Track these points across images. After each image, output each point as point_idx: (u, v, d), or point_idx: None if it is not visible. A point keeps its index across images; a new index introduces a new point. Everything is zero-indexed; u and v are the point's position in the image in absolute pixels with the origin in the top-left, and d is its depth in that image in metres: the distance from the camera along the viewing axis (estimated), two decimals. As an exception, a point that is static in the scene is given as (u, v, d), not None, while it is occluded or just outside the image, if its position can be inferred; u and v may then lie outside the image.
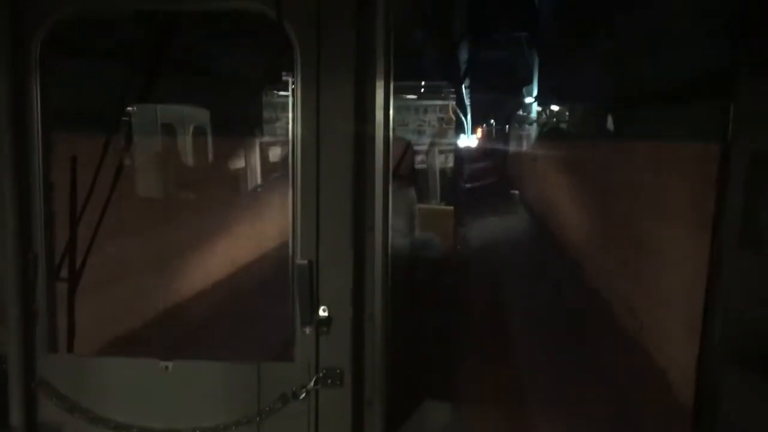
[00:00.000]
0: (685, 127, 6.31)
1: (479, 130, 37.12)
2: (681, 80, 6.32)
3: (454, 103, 11.44)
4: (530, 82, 22.87)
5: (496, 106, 30.81)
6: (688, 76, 6.06)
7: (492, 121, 35.72)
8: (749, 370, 2.92)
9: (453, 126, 11.22)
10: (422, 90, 11.02)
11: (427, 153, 11.30)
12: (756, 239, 2.92)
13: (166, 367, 3.14)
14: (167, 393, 3.16)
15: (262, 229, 10.56)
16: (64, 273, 3.40)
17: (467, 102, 24.83)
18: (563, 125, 16.30)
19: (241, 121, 10.24)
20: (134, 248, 6.84)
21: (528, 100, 22.93)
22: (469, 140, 26.76)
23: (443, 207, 11.13)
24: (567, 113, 16.09)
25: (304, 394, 3.04)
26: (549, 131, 18.58)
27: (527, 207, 23.12)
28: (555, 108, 17.65)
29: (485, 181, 32.13)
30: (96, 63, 5.92)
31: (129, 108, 3.89)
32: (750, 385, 2.90)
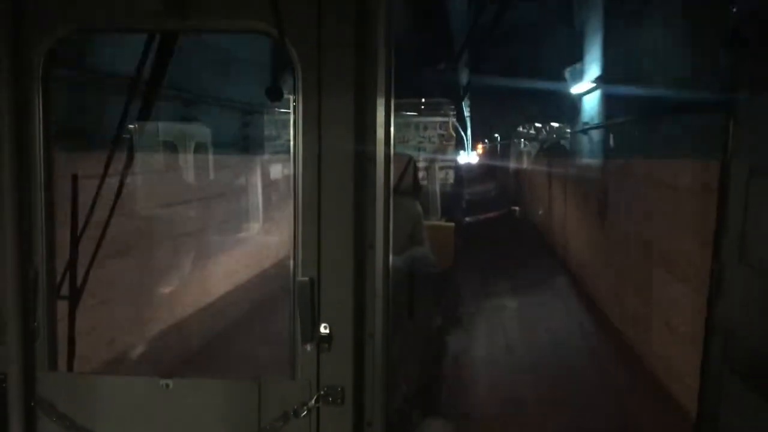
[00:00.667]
0: (686, 143, 6.33)
1: (480, 147, 37.19)
2: (680, 96, 6.35)
3: (454, 119, 11.50)
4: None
5: (497, 123, 30.84)
6: (687, 92, 6.09)
7: (497, 135, 35.73)
8: (750, 386, 2.90)
9: (453, 142, 11.26)
10: (422, 107, 11.08)
11: (427, 169, 11.34)
12: (756, 254, 2.92)
13: (167, 385, 3.12)
14: (168, 411, 3.14)
15: (264, 246, 10.58)
16: (64, 290, 3.40)
17: (467, 118, 24.91)
18: (564, 142, 16.31)
19: (242, 139, 10.30)
20: (135, 266, 6.85)
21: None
22: (469, 157, 26.74)
23: (444, 223, 11.15)
24: (567, 130, 16.09)
25: (305, 412, 3.02)
26: (549, 147, 18.62)
27: (528, 222, 23.18)
28: (555, 124, 17.67)
29: (485, 196, 32.21)
30: (98, 79, 5.97)
31: (131, 125, 3.90)
32: (750, 401, 2.88)
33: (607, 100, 10.95)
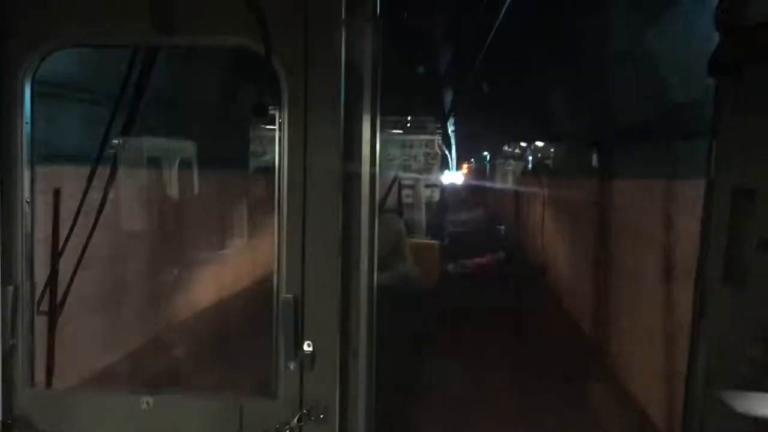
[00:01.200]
0: (669, 163, 6.39)
1: (465, 166, 37.30)
2: (664, 118, 6.42)
3: (439, 138, 11.56)
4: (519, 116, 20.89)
5: (482, 142, 30.96)
6: (670, 113, 6.16)
7: (485, 154, 35.87)
8: (732, 406, 2.91)
9: (439, 161, 11.31)
10: (408, 125, 11.13)
11: (413, 187, 11.37)
12: (739, 275, 2.94)
13: (147, 403, 3.08)
14: (147, 429, 3.10)
15: (248, 262, 10.52)
16: (44, 306, 3.35)
17: (452, 137, 25.03)
18: (548, 161, 16.43)
19: (227, 155, 10.26)
20: (120, 281, 6.78)
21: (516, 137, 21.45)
22: (454, 176, 26.70)
23: (429, 241, 11.17)
24: (551, 149, 16.22)
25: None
26: (534, 167, 18.72)
27: (511, 241, 22.68)
28: (540, 144, 17.80)
29: (470, 215, 31.96)
30: (82, 95, 5.95)
31: (115, 141, 3.88)
32: (735, 425, 2.89)
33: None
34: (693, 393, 3.24)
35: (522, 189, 21.41)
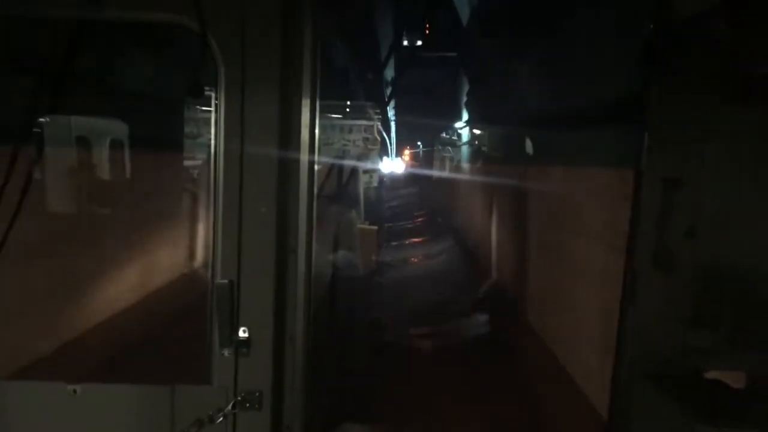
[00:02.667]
0: (601, 151, 6.56)
1: (405, 152, 37.46)
2: (597, 106, 6.58)
3: (379, 123, 11.55)
4: (459, 104, 21.14)
5: (421, 128, 31.14)
6: (603, 102, 6.31)
7: (418, 143, 36.09)
8: (660, 388, 3.02)
9: (378, 146, 11.31)
10: (347, 110, 11.07)
11: (351, 173, 11.35)
12: (667, 260, 3.04)
13: (74, 391, 2.98)
14: (75, 418, 3.00)
15: (181, 247, 10.29)
16: None
17: (392, 123, 25.08)
18: (485, 148, 16.64)
19: (160, 136, 9.97)
20: (42, 266, 6.52)
21: (458, 124, 21.94)
22: (393, 162, 26.77)
23: (368, 226, 11.20)
24: (487, 136, 16.43)
25: (221, 419, 2.94)
26: (472, 153, 18.95)
27: (447, 225, 23.13)
28: (477, 131, 18.01)
29: (407, 200, 32.18)
30: (3, 70, 5.65)
31: (41, 119, 3.70)
32: (661, 402, 3.00)
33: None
34: (621, 377, 3.35)
35: (457, 175, 22.16)
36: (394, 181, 28.13)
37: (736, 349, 2.86)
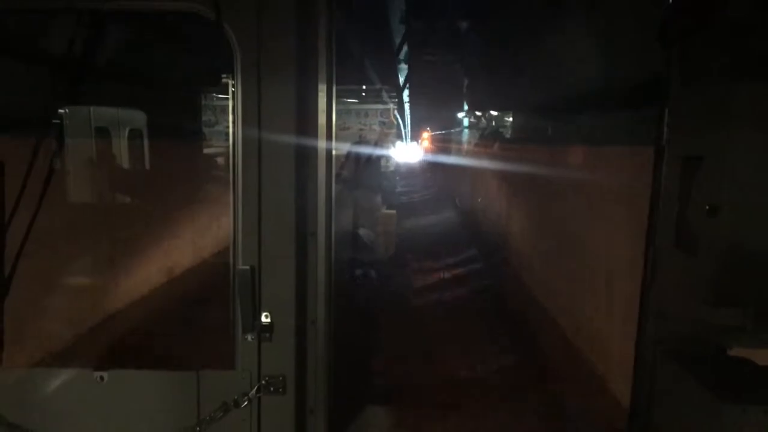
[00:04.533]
0: (622, 131, 6.49)
1: (425, 134, 37.18)
2: (617, 87, 6.50)
3: (395, 107, 11.52)
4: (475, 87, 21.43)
5: (436, 111, 30.91)
6: (623, 82, 6.24)
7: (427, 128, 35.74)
8: (684, 368, 3.00)
9: (394, 129, 11.30)
10: (363, 94, 11.06)
11: (369, 157, 11.36)
12: (689, 240, 3.01)
13: (101, 377, 3.03)
14: (103, 404, 3.06)
15: (202, 234, 10.38)
16: None
17: (407, 107, 24.95)
18: (503, 130, 16.53)
19: (179, 125, 10.03)
20: (68, 256, 6.61)
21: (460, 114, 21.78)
22: (408, 145, 26.48)
23: (387, 211, 11.23)
24: (508, 118, 16.32)
25: (245, 403, 2.99)
26: (489, 135, 18.81)
27: (461, 207, 22.92)
28: (494, 113, 17.88)
29: (425, 182, 31.86)
30: (25, 62, 5.70)
31: (61, 110, 3.73)
32: (684, 384, 2.98)
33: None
34: (643, 356, 3.33)
35: (474, 158, 21.79)
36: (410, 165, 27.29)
37: (762, 326, 2.83)
